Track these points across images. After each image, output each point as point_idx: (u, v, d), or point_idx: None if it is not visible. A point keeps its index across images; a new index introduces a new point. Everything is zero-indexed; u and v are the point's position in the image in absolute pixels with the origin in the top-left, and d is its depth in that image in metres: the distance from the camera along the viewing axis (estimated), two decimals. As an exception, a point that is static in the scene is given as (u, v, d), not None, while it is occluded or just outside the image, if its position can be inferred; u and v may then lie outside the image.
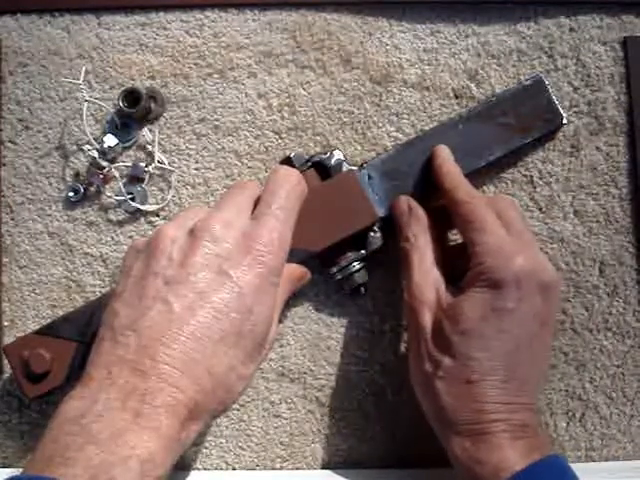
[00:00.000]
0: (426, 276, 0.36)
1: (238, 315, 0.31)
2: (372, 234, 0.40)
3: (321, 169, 0.40)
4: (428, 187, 0.40)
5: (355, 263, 0.40)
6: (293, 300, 0.42)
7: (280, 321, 0.42)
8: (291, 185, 0.36)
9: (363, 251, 0.40)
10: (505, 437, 0.31)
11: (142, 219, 0.43)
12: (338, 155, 0.40)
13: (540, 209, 0.42)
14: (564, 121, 0.42)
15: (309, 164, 0.40)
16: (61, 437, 0.28)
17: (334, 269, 0.40)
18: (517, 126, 0.41)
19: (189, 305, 0.31)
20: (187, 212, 0.35)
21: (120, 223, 0.43)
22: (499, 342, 0.33)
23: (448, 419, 0.33)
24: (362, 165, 0.40)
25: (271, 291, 0.33)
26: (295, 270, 0.38)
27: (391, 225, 0.40)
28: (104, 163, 0.42)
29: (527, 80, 0.42)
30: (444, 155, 0.39)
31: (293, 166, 0.40)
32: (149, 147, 0.43)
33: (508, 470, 0.30)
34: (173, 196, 0.43)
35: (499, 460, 0.31)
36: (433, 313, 0.35)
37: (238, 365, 0.32)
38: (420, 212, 0.38)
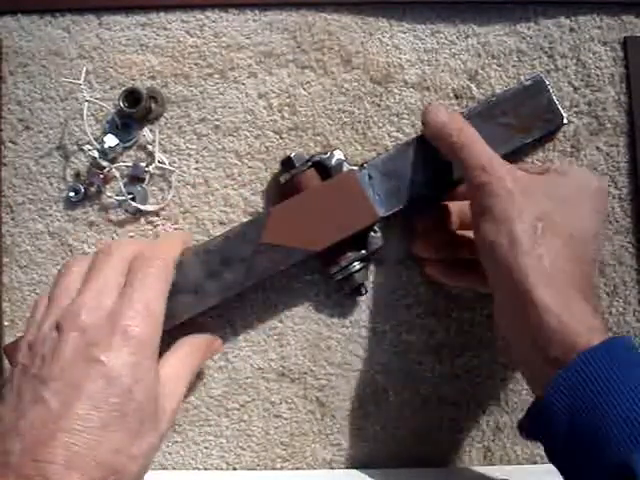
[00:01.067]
0: (486, 148, 0.36)
1: (117, 399, 0.31)
2: (372, 234, 0.40)
3: (321, 169, 0.40)
4: (429, 187, 0.40)
5: (355, 263, 0.40)
6: (293, 300, 0.42)
7: (280, 321, 0.42)
8: (162, 250, 0.36)
9: (363, 251, 0.40)
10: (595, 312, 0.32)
11: (142, 219, 0.43)
12: (338, 155, 0.40)
13: (540, 209, 0.42)
14: (564, 121, 0.42)
15: (309, 164, 0.40)
16: None
17: (334, 269, 0.40)
18: (517, 126, 0.41)
19: (64, 400, 0.30)
20: (57, 289, 0.35)
21: (120, 223, 0.43)
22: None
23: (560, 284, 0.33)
24: (362, 165, 0.40)
25: (148, 364, 0.32)
26: (204, 341, 0.39)
27: (391, 225, 0.40)
28: (104, 163, 0.42)
29: (527, 80, 0.42)
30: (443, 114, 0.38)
31: (293, 166, 0.40)
32: (149, 147, 0.43)
33: (601, 334, 0.31)
34: (173, 196, 0.43)
35: (592, 324, 0.31)
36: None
37: (126, 446, 0.31)
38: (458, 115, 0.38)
